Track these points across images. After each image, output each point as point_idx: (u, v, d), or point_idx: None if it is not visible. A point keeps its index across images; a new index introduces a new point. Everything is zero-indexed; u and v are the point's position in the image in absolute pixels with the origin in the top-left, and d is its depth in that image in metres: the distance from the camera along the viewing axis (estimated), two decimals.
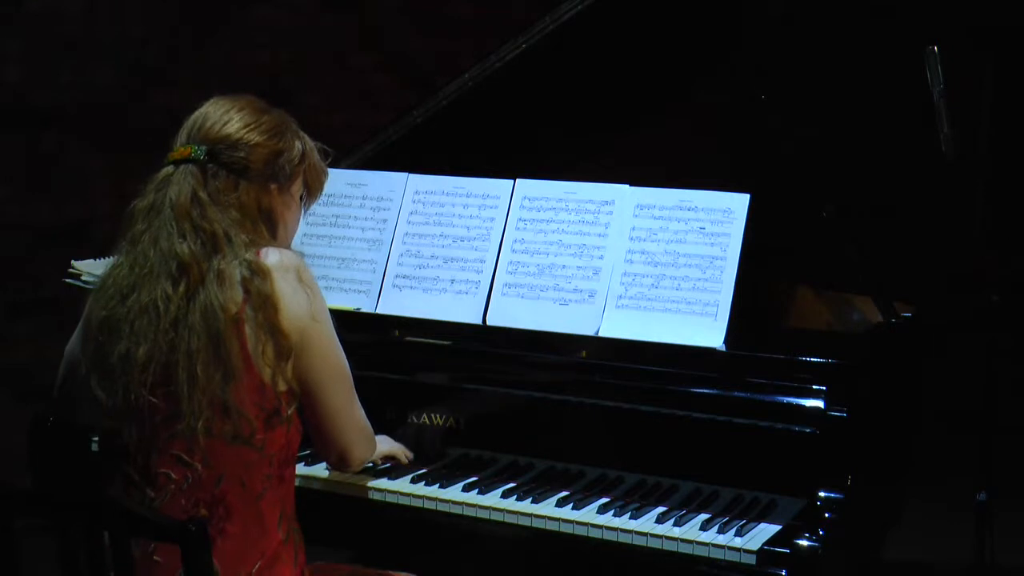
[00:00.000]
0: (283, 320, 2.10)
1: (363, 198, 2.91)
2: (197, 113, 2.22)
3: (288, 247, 2.29)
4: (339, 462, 2.32)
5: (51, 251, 4.22)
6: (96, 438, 2.78)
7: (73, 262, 2.99)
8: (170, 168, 2.17)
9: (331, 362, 2.21)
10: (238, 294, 2.08)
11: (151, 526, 1.98)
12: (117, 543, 1.93)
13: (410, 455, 2.62)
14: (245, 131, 2.17)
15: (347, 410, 2.26)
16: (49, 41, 4.37)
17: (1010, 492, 3.27)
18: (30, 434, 2.85)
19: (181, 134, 2.21)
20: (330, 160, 2.38)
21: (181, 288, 2.08)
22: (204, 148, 2.15)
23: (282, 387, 2.12)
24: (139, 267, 2.11)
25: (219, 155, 2.16)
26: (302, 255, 2.21)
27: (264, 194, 2.20)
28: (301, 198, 2.31)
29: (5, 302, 4.35)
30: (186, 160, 2.15)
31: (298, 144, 2.25)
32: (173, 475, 2.09)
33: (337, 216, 2.91)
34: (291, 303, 2.12)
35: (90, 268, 2.96)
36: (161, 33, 4.65)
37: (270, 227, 2.22)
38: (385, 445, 2.57)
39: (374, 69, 5.31)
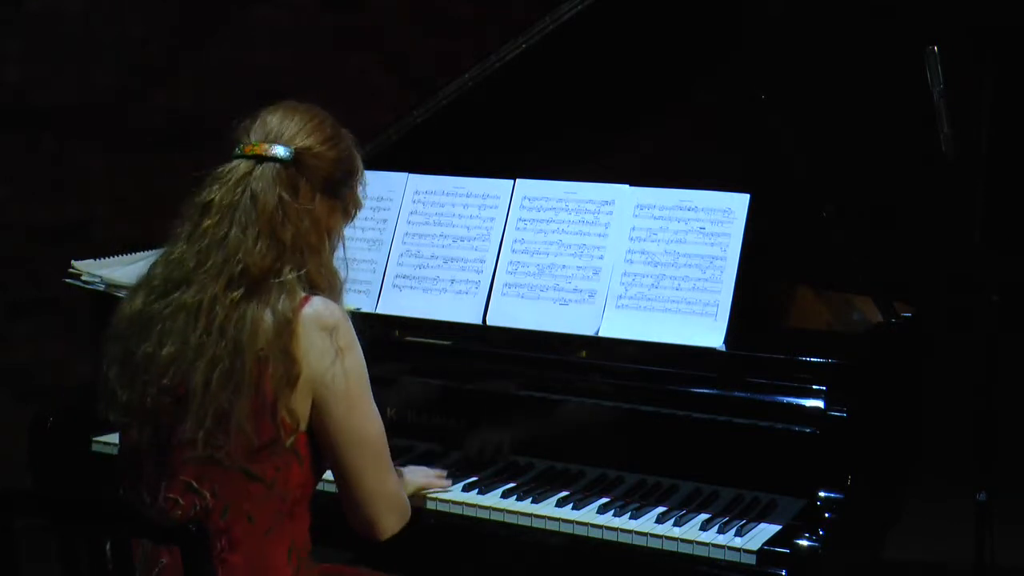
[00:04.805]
0: (297, 349, 2.02)
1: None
2: (271, 116, 2.12)
3: (331, 267, 2.19)
4: (366, 531, 2.18)
5: (51, 251, 4.21)
6: (95, 438, 2.79)
7: (73, 262, 2.99)
8: (247, 163, 2.08)
9: (354, 425, 2.09)
10: (269, 320, 2.01)
11: (151, 527, 1.98)
12: (117, 543, 1.94)
13: (447, 481, 2.53)
14: (324, 145, 2.12)
15: (373, 477, 2.13)
16: (49, 41, 4.36)
17: (1010, 492, 3.27)
18: (30, 434, 2.86)
19: (254, 131, 2.11)
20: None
21: (235, 294, 2.01)
22: (290, 150, 2.08)
23: (284, 414, 2.02)
24: (199, 264, 2.04)
25: (304, 162, 2.09)
26: (347, 314, 2.11)
27: (331, 210, 2.15)
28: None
29: (5, 302, 4.34)
30: (269, 159, 2.07)
31: (361, 166, 2.21)
32: (181, 501, 2.03)
33: None
34: (317, 360, 2.04)
35: (90, 268, 2.97)
36: (161, 33, 4.64)
37: (329, 243, 2.16)
38: (420, 478, 2.48)
39: (374, 69, 5.30)
